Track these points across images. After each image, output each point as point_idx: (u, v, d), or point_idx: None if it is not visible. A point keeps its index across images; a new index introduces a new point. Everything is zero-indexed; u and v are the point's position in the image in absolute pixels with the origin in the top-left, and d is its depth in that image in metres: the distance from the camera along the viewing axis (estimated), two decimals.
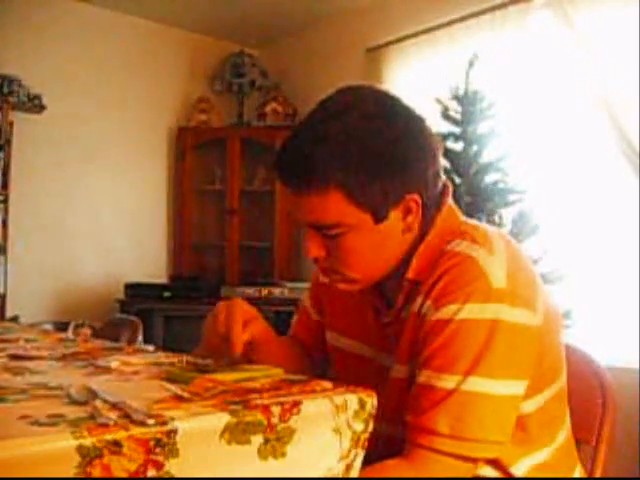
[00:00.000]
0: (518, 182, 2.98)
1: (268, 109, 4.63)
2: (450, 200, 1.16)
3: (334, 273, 1.13)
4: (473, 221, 1.18)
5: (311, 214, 1.07)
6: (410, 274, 1.10)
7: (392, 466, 1.01)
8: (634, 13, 2.90)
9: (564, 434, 1.17)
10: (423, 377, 1.02)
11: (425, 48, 3.78)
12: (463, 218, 1.17)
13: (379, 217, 1.07)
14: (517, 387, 1.01)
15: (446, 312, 1.01)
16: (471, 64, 3.03)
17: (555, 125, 3.36)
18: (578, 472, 1.20)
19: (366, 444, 0.94)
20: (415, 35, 3.83)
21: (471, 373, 0.98)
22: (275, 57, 4.92)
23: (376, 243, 1.09)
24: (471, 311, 1.00)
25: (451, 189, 1.17)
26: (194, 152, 4.62)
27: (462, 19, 3.59)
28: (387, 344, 1.17)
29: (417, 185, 1.08)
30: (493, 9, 3.44)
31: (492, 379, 0.98)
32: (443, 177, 1.17)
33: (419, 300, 1.08)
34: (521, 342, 1.01)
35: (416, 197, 1.08)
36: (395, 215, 1.08)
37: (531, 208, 2.91)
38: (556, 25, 3.22)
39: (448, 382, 0.99)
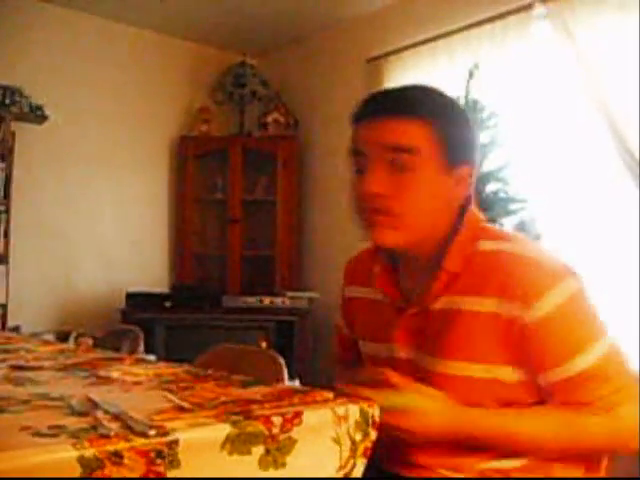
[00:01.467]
0: (519, 191, 2.99)
1: (269, 119, 4.64)
2: (473, 205, 1.22)
3: (385, 214, 1.12)
4: (489, 223, 1.25)
5: (397, 135, 1.11)
6: (449, 266, 1.13)
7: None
8: (633, 24, 2.91)
9: None
10: (572, 369, 1.06)
11: (425, 58, 3.79)
12: (483, 221, 1.23)
13: (446, 167, 1.13)
14: None
15: (543, 306, 1.06)
16: (471, 74, 3.04)
17: (555, 134, 3.37)
18: None
19: (368, 453, 0.94)
20: (415, 45, 3.84)
21: (599, 338, 1.08)
22: (276, 67, 4.94)
23: (435, 193, 1.13)
24: (560, 292, 1.07)
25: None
26: (195, 162, 4.63)
27: (462, 29, 3.59)
28: (413, 338, 1.18)
29: (472, 160, 1.18)
30: (493, 19, 3.45)
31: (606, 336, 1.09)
32: None
33: (470, 299, 1.11)
34: (589, 302, 1.12)
35: (470, 169, 1.17)
36: (452, 178, 1.14)
37: (532, 217, 2.91)
38: (556, 35, 3.22)
39: (595, 353, 1.06)
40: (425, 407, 1.04)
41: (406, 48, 3.89)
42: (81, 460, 0.68)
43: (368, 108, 1.17)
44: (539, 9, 3.28)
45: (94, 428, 0.76)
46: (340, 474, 0.90)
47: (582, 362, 1.05)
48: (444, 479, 1.09)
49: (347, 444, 0.91)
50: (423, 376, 1.13)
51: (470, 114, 2.98)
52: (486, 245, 1.14)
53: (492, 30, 3.46)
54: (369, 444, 0.94)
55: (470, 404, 1.08)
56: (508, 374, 1.09)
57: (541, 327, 1.06)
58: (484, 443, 1.07)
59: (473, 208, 1.21)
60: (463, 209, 1.19)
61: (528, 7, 3.31)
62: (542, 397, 1.10)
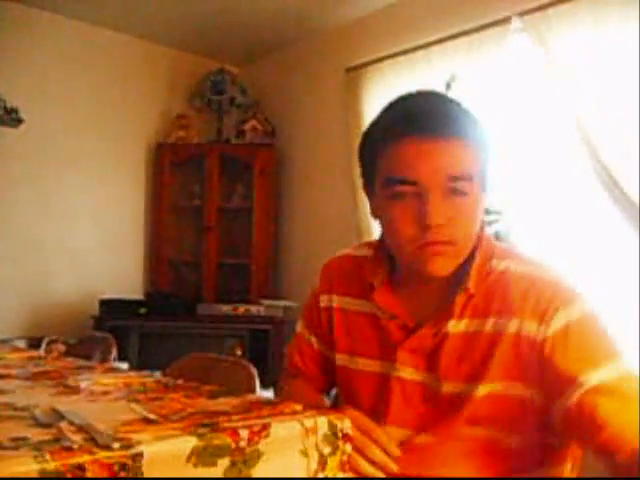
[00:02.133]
0: (493, 203, 3.00)
1: (247, 126, 4.63)
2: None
3: (448, 244, 1.08)
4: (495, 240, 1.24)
5: (458, 163, 1.06)
6: (470, 286, 1.11)
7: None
8: (609, 37, 2.95)
9: None
10: (588, 383, 1.01)
11: (403, 69, 3.81)
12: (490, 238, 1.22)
13: (484, 185, 1.13)
14: None
15: (558, 321, 1.05)
16: (448, 85, 3.06)
17: (531, 146, 3.40)
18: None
19: (345, 467, 0.94)
20: (393, 56, 3.87)
21: (614, 358, 1.04)
22: (255, 75, 4.94)
23: (480, 213, 1.13)
24: (576, 309, 1.07)
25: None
26: (172, 168, 4.60)
27: (440, 41, 3.62)
28: (422, 360, 1.15)
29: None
30: (470, 32, 3.48)
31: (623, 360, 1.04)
32: None
33: (491, 321, 1.10)
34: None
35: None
36: (485, 194, 1.14)
37: (507, 229, 2.93)
38: (532, 48, 3.26)
39: (610, 371, 1.02)
40: None
41: (385, 58, 3.91)
42: (42, 473, 0.66)
43: (414, 124, 1.06)
44: (516, 22, 3.32)
45: (57, 440, 0.74)
46: None
47: (597, 376, 1.00)
48: (444, 479, 1.09)
49: (315, 457, 0.90)
50: (435, 399, 1.12)
51: None
52: (499, 265, 1.13)
53: (470, 42, 3.49)
54: (344, 458, 0.94)
55: (495, 425, 1.08)
56: (529, 394, 1.07)
57: (557, 341, 1.04)
58: None
59: (485, 229, 1.20)
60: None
61: (505, 20, 3.34)
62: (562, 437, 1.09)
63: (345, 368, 1.27)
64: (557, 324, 1.05)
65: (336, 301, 1.30)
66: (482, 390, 1.08)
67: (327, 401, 1.37)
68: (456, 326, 1.11)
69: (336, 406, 1.26)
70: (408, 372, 1.15)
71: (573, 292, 1.10)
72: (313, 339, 1.37)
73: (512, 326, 1.07)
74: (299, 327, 1.41)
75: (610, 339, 1.07)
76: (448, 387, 1.11)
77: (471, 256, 1.13)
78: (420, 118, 1.07)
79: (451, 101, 1.15)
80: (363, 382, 1.22)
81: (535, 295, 1.08)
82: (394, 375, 1.16)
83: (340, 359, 1.28)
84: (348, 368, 1.26)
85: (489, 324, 1.10)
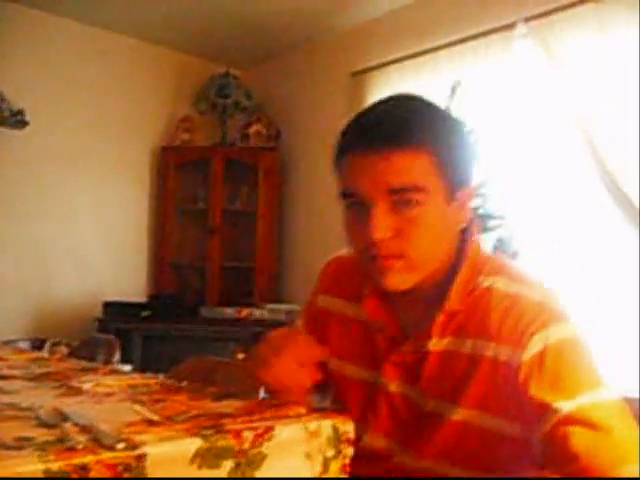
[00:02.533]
0: (497, 208, 3.00)
1: (251, 130, 4.64)
2: (476, 233, 1.15)
3: (394, 259, 1.03)
4: (491, 254, 1.18)
5: (398, 176, 1.00)
6: (449, 305, 1.07)
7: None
8: (613, 43, 2.95)
9: None
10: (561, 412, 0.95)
11: (409, 73, 3.81)
12: (483, 251, 1.15)
13: (451, 195, 1.04)
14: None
15: (534, 345, 0.99)
16: (453, 90, 3.06)
17: (535, 152, 3.40)
18: None
19: (347, 470, 0.94)
20: (399, 60, 3.87)
21: (594, 388, 0.98)
22: (260, 79, 4.95)
23: (443, 225, 1.05)
24: (556, 332, 1.00)
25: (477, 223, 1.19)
26: (177, 171, 4.61)
27: (445, 46, 3.63)
28: (406, 374, 1.12)
29: (472, 179, 1.10)
30: (476, 37, 3.49)
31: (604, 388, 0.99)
32: None
33: (469, 342, 1.05)
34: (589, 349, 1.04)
35: (471, 191, 1.10)
36: (456, 204, 1.06)
37: (510, 235, 2.93)
38: (537, 54, 3.26)
39: (587, 398, 0.96)
40: None
41: (390, 63, 3.92)
42: (47, 473, 0.67)
43: (363, 139, 1.03)
44: (521, 28, 3.33)
45: (62, 440, 0.75)
46: None
47: (572, 404, 0.94)
48: (446, 479, 1.08)
49: (319, 460, 0.90)
50: (419, 414, 1.09)
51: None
52: (486, 281, 1.07)
53: (475, 47, 3.50)
54: (346, 461, 0.94)
55: (470, 454, 1.04)
56: (508, 427, 1.02)
57: (532, 367, 0.98)
58: None
59: (476, 237, 1.14)
60: (465, 234, 1.12)
61: (510, 26, 3.35)
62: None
63: (335, 372, 1.24)
64: (534, 348, 0.98)
65: (333, 303, 1.27)
66: (458, 414, 1.04)
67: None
68: (437, 344, 1.07)
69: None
70: (394, 384, 1.13)
71: (557, 313, 1.02)
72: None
73: (490, 350, 1.02)
74: (299, 323, 1.37)
75: (591, 365, 1.00)
76: (431, 404, 1.08)
77: (455, 271, 1.08)
78: (366, 132, 1.04)
79: (421, 109, 1.08)
80: (352, 389, 1.20)
81: (515, 316, 1.01)
82: (381, 386, 1.14)
83: (331, 363, 1.24)
84: (338, 373, 1.23)
85: (468, 345, 1.05)
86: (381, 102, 1.11)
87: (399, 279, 1.05)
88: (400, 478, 1.10)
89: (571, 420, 0.93)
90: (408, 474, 1.09)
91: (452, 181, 1.04)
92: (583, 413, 0.93)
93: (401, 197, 1.00)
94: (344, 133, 1.08)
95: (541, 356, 0.98)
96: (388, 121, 1.03)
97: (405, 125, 1.02)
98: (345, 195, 1.06)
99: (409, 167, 1.00)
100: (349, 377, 1.21)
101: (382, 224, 1.01)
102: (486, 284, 1.07)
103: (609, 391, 0.99)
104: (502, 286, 1.06)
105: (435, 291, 1.09)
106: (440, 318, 1.07)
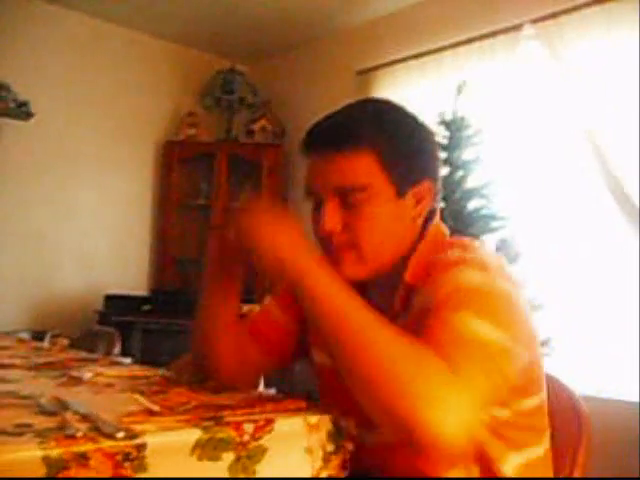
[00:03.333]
0: (501, 209, 3.00)
1: (256, 126, 4.63)
2: (438, 219, 1.21)
3: (346, 250, 1.11)
4: (456, 236, 1.21)
5: (340, 176, 1.09)
6: (408, 277, 1.12)
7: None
8: (621, 45, 2.94)
9: (540, 449, 1.14)
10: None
11: (414, 73, 3.81)
12: (448, 235, 1.21)
13: (400, 190, 1.11)
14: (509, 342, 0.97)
15: (447, 283, 1.01)
16: (459, 91, 3.06)
17: (540, 154, 3.40)
18: None
19: (346, 465, 0.93)
20: (405, 60, 3.87)
21: (463, 312, 0.96)
22: (266, 75, 4.94)
23: (393, 219, 1.12)
24: (471, 275, 1.01)
25: (439, 212, 1.23)
26: (181, 166, 4.61)
27: (451, 46, 3.62)
28: None
29: (432, 174, 1.17)
30: (482, 38, 3.48)
31: (491, 325, 0.95)
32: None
33: (418, 306, 1.07)
34: (517, 310, 1.02)
35: (430, 184, 1.16)
36: (410, 198, 1.13)
37: (513, 235, 2.92)
38: (544, 56, 3.26)
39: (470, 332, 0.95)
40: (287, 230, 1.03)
41: (396, 62, 3.91)
42: (46, 460, 0.67)
43: (311, 143, 1.14)
44: (528, 30, 3.32)
45: (62, 428, 0.74)
46: None
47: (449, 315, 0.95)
48: (443, 479, 1.08)
49: (319, 454, 0.90)
50: None
51: (456, 130, 3.01)
52: (445, 255, 1.09)
53: (481, 48, 3.49)
54: (346, 456, 0.94)
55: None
56: None
57: (439, 297, 0.99)
58: (302, 295, 0.98)
59: (436, 222, 1.19)
60: (428, 223, 1.17)
61: (517, 27, 3.34)
62: None
63: (323, 365, 1.24)
64: (443, 289, 1.00)
65: None
66: None
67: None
68: (400, 320, 1.08)
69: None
70: None
71: (478, 263, 1.03)
72: (289, 324, 1.31)
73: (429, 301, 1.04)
74: (270, 306, 1.36)
75: (491, 311, 0.98)
76: None
77: (413, 251, 1.14)
78: (314, 137, 1.14)
79: (364, 112, 1.15)
80: (340, 381, 1.21)
81: (447, 278, 1.02)
82: None
83: (317, 356, 1.26)
84: (325, 366, 1.23)
85: (416, 311, 1.06)
86: (344, 106, 1.18)
87: (352, 269, 1.11)
88: (397, 478, 1.09)
89: (459, 340, 0.93)
90: (379, 458, 1.08)
91: (400, 178, 1.11)
92: (468, 339, 0.93)
93: (347, 195, 1.09)
94: (304, 136, 1.16)
95: (447, 292, 0.99)
96: (333, 126, 1.13)
97: (346, 129, 1.11)
98: (307, 194, 1.15)
99: (351, 168, 1.09)
100: (321, 364, 1.24)
101: (332, 219, 1.10)
102: (441, 256, 1.10)
103: (520, 355, 0.98)
104: (450, 255, 1.09)
105: (399, 275, 1.13)
106: (400, 293, 1.12)
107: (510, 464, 1.07)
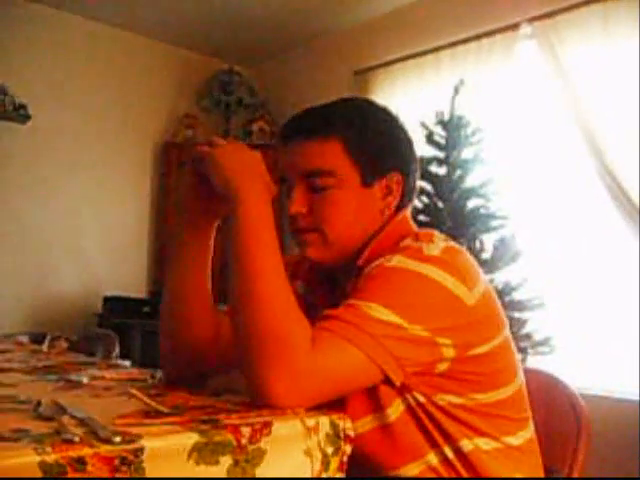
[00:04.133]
0: (500, 208, 3.00)
1: (254, 127, 4.64)
2: (407, 213, 1.23)
3: (311, 232, 1.17)
4: (423, 228, 1.22)
5: (308, 160, 1.15)
6: (360, 261, 1.15)
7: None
8: (618, 45, 2.94)
9: (515, 439, 1.13)
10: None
11: (412, 73, 3.81)
12: (415, 229, 1.22)
13: (366, 180, 1.16)
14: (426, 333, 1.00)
15: (376, 263, 1.07)
16: (457, 90, 3.05)
17: (538, 153, 3.40)
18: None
19: (344, 467, 0.93)
20: (402, 59, 3.87)
21: (378, 302, 0.99)
22: (263, 76, 4.94)
23: (358, 207, 1.16)
24: (399, 261, 1.05)
25: (411, 207, 1.26)
26: (179, 167, 4.60)
27: (449, 45, 3.62)
28: None
29: (403, 168, 1.20)
30: (480, 37, 3.48)
31: (400, 318, 0.98)
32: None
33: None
34: (442, 301, 1.02)
35: (399, 178, 1.19)
36: (378, 189, 1.18)
37: (512, 235, 2.92)
38: (541, 55, 3.26)
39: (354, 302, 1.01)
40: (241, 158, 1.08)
41: (394, 62, 3.91)
42: (42, 465, 0.66)
43: (283, 132, 1.21)
44: (525, 29, 3.32)
45: (58, 433, 0.74)
46: None
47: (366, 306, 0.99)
48: (438, 479, 1.08)
49: (318, 457, 0.90)
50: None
51: (454, 130, 3.01)
52: (395, 245, 1.13)
53: (479, 47, 3.49)
54: (344, 458, 0.93)
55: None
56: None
57: (363, 276, 1.06)
58: (232, 221, 1.05)
59: (403, 215, 1.21)
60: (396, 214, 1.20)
61: (514, 26, 3.35)
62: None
63: None
64: (370, 267, 1.08)
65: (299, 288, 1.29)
66: None
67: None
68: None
69: None
70: None
71: (415, 252, 1.06)
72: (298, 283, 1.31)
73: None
74: None
75: (389, 293, 1.01)
76: None
77: (373, 238, 1.17)
78: (287, 125, 1.21)
79: (329, 104, 1.21)
80: None
81: (374, 264, 1.08)
82: None
83: None
84: None
85: None
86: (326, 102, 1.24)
87: (315, 251, 1.17)
88: (395, 478, 1.10)
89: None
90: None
91: (366, 168, 1.16)
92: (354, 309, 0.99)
93: (314, 179, 1.15)
94: (280, 128, 1.24)
95: (371, 270, 1.06)
96: (304, 116, 1.20)
97: (315, 118, 1.18)
98: (280, 180, 1.20)
99: (318, 153, 1.15)
100: None
101: (298, 201, 1.16)
102: (392, 246, 1.13)
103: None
104: (400, 244, 1.13)
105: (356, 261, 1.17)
106: (353, 277, 1.14)
107: (474, 445, 1.08)
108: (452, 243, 1.14)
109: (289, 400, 0.92)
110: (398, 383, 1.01)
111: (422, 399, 1.06)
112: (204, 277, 1.22)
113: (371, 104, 1.26)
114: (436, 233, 1.16)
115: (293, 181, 1.18)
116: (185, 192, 1.18)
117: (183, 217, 1.19)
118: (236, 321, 1.02)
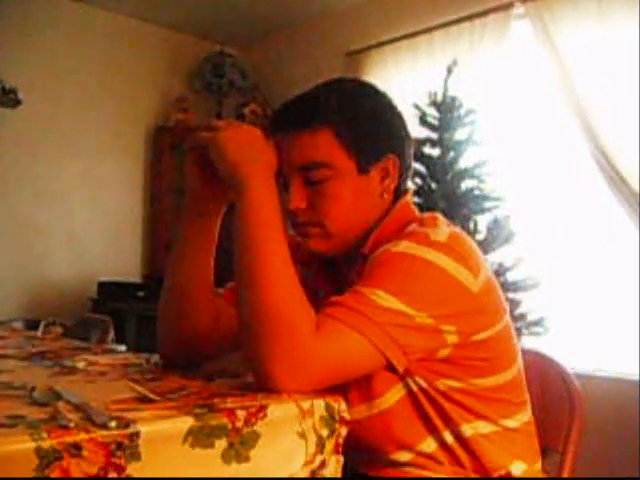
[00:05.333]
0: (494, 189, 3.00)
1: (247, 110, 4.61)
2: (409, 198, 1.22)
3: (312, 226, 1.15)
4: (427, 214, 1.21)
5: (302, 153, 1.13)
6: (365, 250, 1.15)
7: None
8: (612, 25, 2.93)
9: (513, 422, 1.14)
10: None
11: (405, 54, 3.79)
12: (418, 213, 1.21)
13: (362, 167, 1.14)
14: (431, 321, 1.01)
15: (382, 249, 1.07)
16: (449, 71, 3.04)
17: (531, 133, 3.39)
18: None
19: (340, 450, 0.94)
20: (395, 40, 3.84)
21: (383, 289, 0.99)
22: (255, 58, 4.91)
23: (357, 195, 1.14)
24: (406, 247, 1.05)
25: (412, 191, 1.26)
26: (172, 151, 4.58)
27: (441, 26, 3.60)
28: None
29: (397, 149, 1.18)
30: (472, 17, 3.46)
31: (405, 305, 0.99)
32: (409, 183, 1.25)
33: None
34: (447, 288, 1.03)
35: (395, 160, 1.17)
36: (375, 174, 1.16)
37: (506, 216, 2.92)
38: (534, 35, 3.24)
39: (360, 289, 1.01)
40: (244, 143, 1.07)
41: (386, 43, 3.89)
42: (38, 451, 0.66)
43: (274, 125, 1.18)
44: (518, 9, 3.30)
45: (54, 419, 0.74)
46: (306, 470, 0.89)
47: (374, 294, 0.99)
48: (434, 479, 1.09)
49: (313, 439, 0.90)
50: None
51: (447, 111, 3.00)
52: (400, 231, 1.12)
53: (471, 28, 3.47)
54: (339, 440, 0.94)
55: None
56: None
57: (370, 261, 1.07)
58: (239, 207, 1.06)
59: (406, 200, 1.21)
60: (398, 199, 1.20)
61: (507, 6, 3.33)
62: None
63: None
64: (377, 253, 1.08)
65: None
66: None
67: None
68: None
69: None
70: None
71: (421, 238, 1.06)
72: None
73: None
74: None
75: (396, 281, 1.02)
76: None
77: (377, 225, 1.16)
78: (278, 116, 1.19)
79: (321, 93, 1.17)
80: None
81: (381, 249, 1.08)
82: None
83: None
84: None
85: None
86: (311, 87, 1.20)
87: (318, 244, 1.17)
88: (397, 478, 1.11)
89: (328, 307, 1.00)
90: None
91: (361, 154, 1.14)
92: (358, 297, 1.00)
93: (310, 173, 1.13)
94: (270, 117, 1.22)
95: (379, 256, 1.07)
96: (293, 107, 1.17)
97: (305, 109, 1.15)
98: (275, 173, 1.14)
99: (310, 146, 1.12)
100: None
101: (296, 196, 1.14)
102: (398, 232, 1.13)
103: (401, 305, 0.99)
104: (405, 229, 1.12)
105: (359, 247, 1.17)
106: (358, 265, 1.14)
107: (473, 429, 1.09)
108: (456, 228, 1.14)
109: (291, 384, 0.93)
110: (401, 370, 1.02)
111: (424, 384, 1.07)
112: (208, 265, 1.24)
113: (359, 86, 1.24)
114: (439, 217, 1.16)
115: (289, 175, 1.15)
116: (190, 179, 1.17)
117: (189, 204, 1.19)
118: (241, 305, 1.02)
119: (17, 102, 3.91)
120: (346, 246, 1.17)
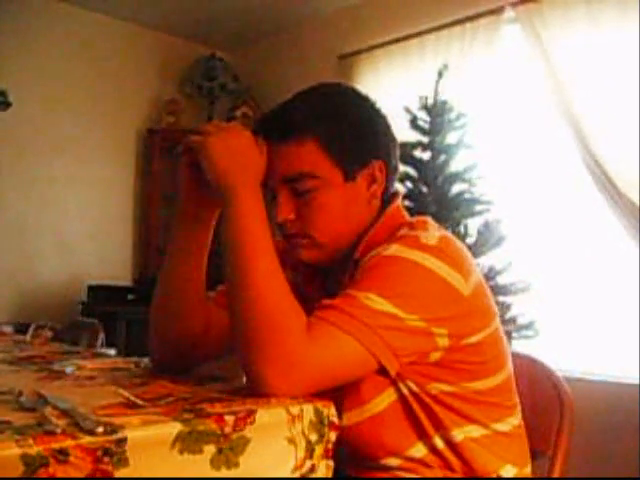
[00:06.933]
0: (484, 193, 3.00)
1: (238, 113, 4.61)
2: (400, 202, 1.23)
3: (300, 237, 1.15)
4: (416, 218, 1.20)
5: (287, 165, 1.12)
6: (357, 255, 1.14)
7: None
8: (603, 29, 2.94)
9: (504, 426, 1.14)
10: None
11: (396, 57, 3.79)
12: (408, 217, 1.21)
13: (348, 175, 1.14)
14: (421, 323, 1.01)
15: (373, 253, 1.07)
16: (440, 75, 3.04)
17: (522, 137, 3.40)
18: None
19: (329, 454, 0.93)
20: (386, 44, 3.85)
21: (374, 292, 0.99)
22: (247, 61, 4.90)
23: (344, 203, 1.14)
24: (397, 250, 1.05)
25: (401, 195, 1.26)
26: (162, 154, 4.57)
27: (433, 30, 3.61)
28: None
29: (383, 155, 1.18)
30: (464, 21, 3.47)
31: (397, 308, 0.99)
32: (398, 186, 1.26)
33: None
34: (439, 291, 1.03)
35: (382, 165, 1.17)
36: (362, 181, 1.16)
37: (497, 219, 2.93)
38: (525, 39, 3.25)
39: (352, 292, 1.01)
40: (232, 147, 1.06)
41: (378, 46, 3.90)
42: (24, 458, 0.65)
43: (262, 130, 1.16)
44: (509, 13, 3.32)
45: (40, 424, 0.73)
46: (296, 474, 0.89)
47: (364, 297, 0.99)
48: (425, 479, 1.08)
49: (302, 444, 0.90)
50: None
51: (438, 115, 3.00)
52: (391, 236, 1.12)
53: (462, 32, 3.48)
54: (329, 445, 0.93)
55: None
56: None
57: (361, 266, 1.07)
58: (226, 215, 1.06)
59: (396, 205, 1.21)
60: (387, 203, 1.20)
61: (498, 10, 3.34)
62: None
63: None
64: (368, 257, 1.08)
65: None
66: None
67: None
68: None
69: None
70: None
71: (411, 241, 1.06)
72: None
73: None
74: None
75: (386, 283, 1.02)
76: None
77: (368, 231, 1.16)
78: (261, 127, 1.16)
79: (298, 103, 1.17)
80: None
81: (372, 254, 1.08)
82: None
83: None
84: None
85: None
86: (293, 95, 1.19)
87: (308, 254, 1.17)
88: (387, 479, 1.11)
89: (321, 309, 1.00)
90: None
91: (346, 162, 1.13)
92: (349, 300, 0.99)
93: (297, 183, 1.13)
94: (253, 127, 1.17)
95: (369, 260, 1.07)
96: (276, 117, 1.16)
97: (288, 119, 1.14)
98: (262, 185, 1.13)
99: (295, 157, 1.12)
100: None
101: (284, 207, 1.14)
102: (388, 236, 1.12)
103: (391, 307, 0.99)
104: (396, 233, 1.12)
105: (351, 253, 1.17)
106: (350, 270, 1.14)
107: (464, 434, 1.09)
108: (446, 232, 1.14)
109: (283, 388, 0.93)
110: (393, 373, 1.01)
111: (415, 388, 1.07)
112: (200, 271, 1.23)
113: (341, 92, 1.23)
114: (429, 221, 1.16)
115: (276, 188, 1.15)
116: (183, 184, 1.16)
117: (181, 209, 1.18)
118: (232, 310, 1.01)
119: (7, 104, 3.90)
120: (337, 254, 1.17)
